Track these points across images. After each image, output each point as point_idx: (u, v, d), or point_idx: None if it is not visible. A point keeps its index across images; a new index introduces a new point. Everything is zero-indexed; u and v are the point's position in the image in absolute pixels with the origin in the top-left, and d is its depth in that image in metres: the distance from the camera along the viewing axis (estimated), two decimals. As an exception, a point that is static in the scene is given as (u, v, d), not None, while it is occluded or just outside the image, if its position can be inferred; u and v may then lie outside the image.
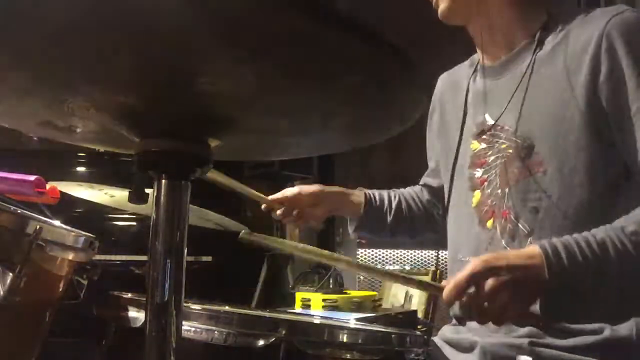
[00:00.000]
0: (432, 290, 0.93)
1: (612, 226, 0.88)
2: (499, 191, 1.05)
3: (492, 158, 1.08)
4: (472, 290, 0.84)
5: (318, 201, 1.30)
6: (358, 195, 1.35)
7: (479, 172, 1.10)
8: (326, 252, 1.00)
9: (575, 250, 0.85)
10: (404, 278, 1.01)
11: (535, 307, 0.86)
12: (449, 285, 0.84)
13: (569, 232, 0.94)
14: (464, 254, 1.12)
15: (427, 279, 2.16)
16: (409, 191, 1.41)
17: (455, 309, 0.89)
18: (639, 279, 0.89)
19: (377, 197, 1.36)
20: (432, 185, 1.36)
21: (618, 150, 0.94)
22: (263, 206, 1.30)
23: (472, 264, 0.84)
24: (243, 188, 1.25)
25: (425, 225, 1.38)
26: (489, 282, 0.83)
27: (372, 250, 2.65)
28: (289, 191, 1.29)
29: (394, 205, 1.36)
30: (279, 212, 1.29)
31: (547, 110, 0.98)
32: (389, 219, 1.35)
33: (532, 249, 0.86)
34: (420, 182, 1.41)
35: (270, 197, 1.29)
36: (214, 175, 1.22)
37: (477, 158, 1.11)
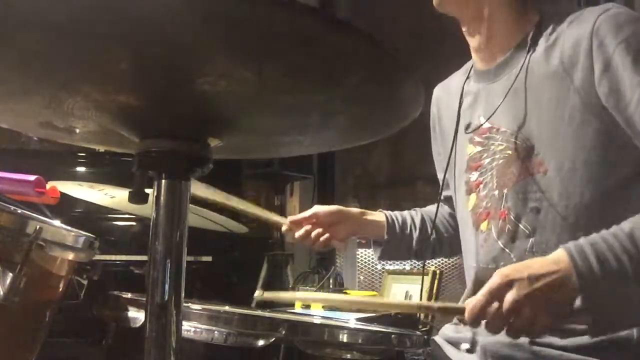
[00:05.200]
0: (454, 314, 0.91)
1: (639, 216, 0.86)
2: (496, 192, 1.05)
3: (487, 160, 1.08)
4: (495, 306, 0.81)
5: (337, 221, 1.25)
6: (378, 215, 1.30)
7: (474, 176, 1.11)
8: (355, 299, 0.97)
9: (603, 248, 0.82)
10: (422, 307, 1.00)
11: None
12: (469, 307, 0.82)
13: (570, 232, 0.94)
14: (467, 259, 1.12)
15: (427, 278, 2.17)
16: (431, 208, 1.35)
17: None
18: None
19: (399, 220, 1.30)
20: (450, 195, 1.27)
21: (627, 148, 0.91)
22: (283, 228, 1.26)
23: (491, 280, 0.82)
24: (262, 211, 1.25)
25: (451, 240, 1.30)
26: (508, 297, 0.81)
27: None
28: (306, 212, 1.25)
29: (417, 225, 1.30)
30: (297, 234, 1.24)
31: (545, 111, 0.98)
32: (414, 241, 1.29)
33: (558, 252, 0.84)
34: (440, 198, 1.33)
35: (289, 219, 1.25)
36: (234, 202, 1.22)
37: (472, 161, 1.11)
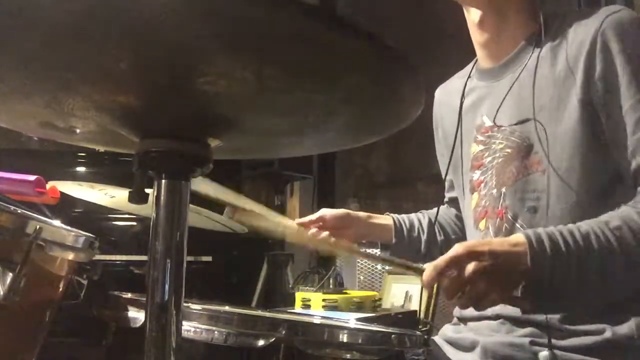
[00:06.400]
0: (413, 272, 0.94)
1: (598, 220, 0.89)
2: (494, 191, 1.05)
3: (488, 159, 1.08)
4: (453, 273, 0.85)
5: (344, 225, 1.25)
6: (385, 219, 1.30)
7: (476, 174, 1.11)
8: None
9: (559, 241, 0.86)
10: (383, 259, 1.01)
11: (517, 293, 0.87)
12: (429, 267, 0.86)
13: None
14: None
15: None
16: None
17: (457, 310, 0.89)
18: (634, 277, 0.89)
19: (407, 223, 1.30)
20: (456, 196, 1.28)
21: (610, 150, 0.94)
22: None
23: (454, 248, 0.86)
24: (270, 214, 1.24)
25: (460, 242, 1.30)
26: (470, 266, 0.84)
27: (372, 251, 2.65)
28: (314, 215, 1.26)
29: (425, 228, 1.30)
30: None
31: (546, 111, 0.98)
32: (423, 244, 1.29)
33: (517, 237, 0.87)
34: (445, 200, 1.36)
35: (296, 221, 1.26)
36: (242, 202, 1.22)
37: (475, 160, 1.12)
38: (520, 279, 0.86)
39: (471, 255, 0.84)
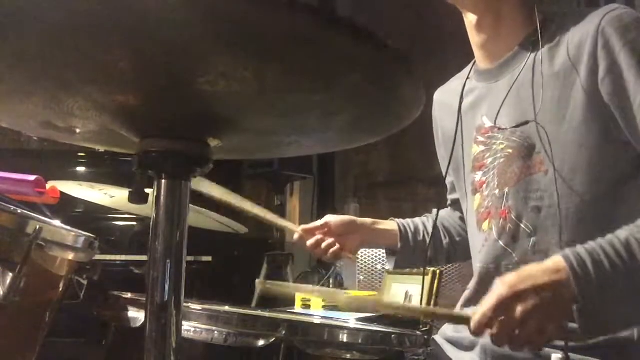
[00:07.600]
0: (459, 323, 0.91)
1: (636, 224, 0.86)
2: (497, 191, 1.05)
3: (489, 160, 1.08)
4: (501, 318, 0.81)
5: (349, 231, 1.24)
6: (390, 224, 1.29)
7: (478, 176, 1.11)
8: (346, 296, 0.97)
9: (601, 256, 0.83)
10: (428, 313, 0.99)
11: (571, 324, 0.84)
12: (475, 317, 0.82)
13: (572, 231, 0.94)
14: (474, 260, 1.12)
15: (427, 278, 2.16)
16: (442, 214, 1.33)
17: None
18: None
19: (412, 227, 1.29)
20: (458, 198, 1.26)
21: (628, 146, 0.93)
22: (295, 236, 1.25)
23: (498, 291, 0.82)
24: (275, 217, 1.24)
25: (465, 244, 1.27)
26: (518, 309, 0.81)
27: (372, 251, 2.65)
28: (318, 222, 1.24)
29: (430, 232, 1.28)
30: (309, 242, 1.23)
31: (547, 110, 0.98)
32: (428, 248, 1.27)
33: (557, 262, 0.84)
34: (448, 202, 1.35)
35: (301, 227, 1.25)
36: (247, 206, 1.22)
37: (477, 161, 1.11)
38: (569, 306, 0.82)
39: (516, 296, 0.81)
